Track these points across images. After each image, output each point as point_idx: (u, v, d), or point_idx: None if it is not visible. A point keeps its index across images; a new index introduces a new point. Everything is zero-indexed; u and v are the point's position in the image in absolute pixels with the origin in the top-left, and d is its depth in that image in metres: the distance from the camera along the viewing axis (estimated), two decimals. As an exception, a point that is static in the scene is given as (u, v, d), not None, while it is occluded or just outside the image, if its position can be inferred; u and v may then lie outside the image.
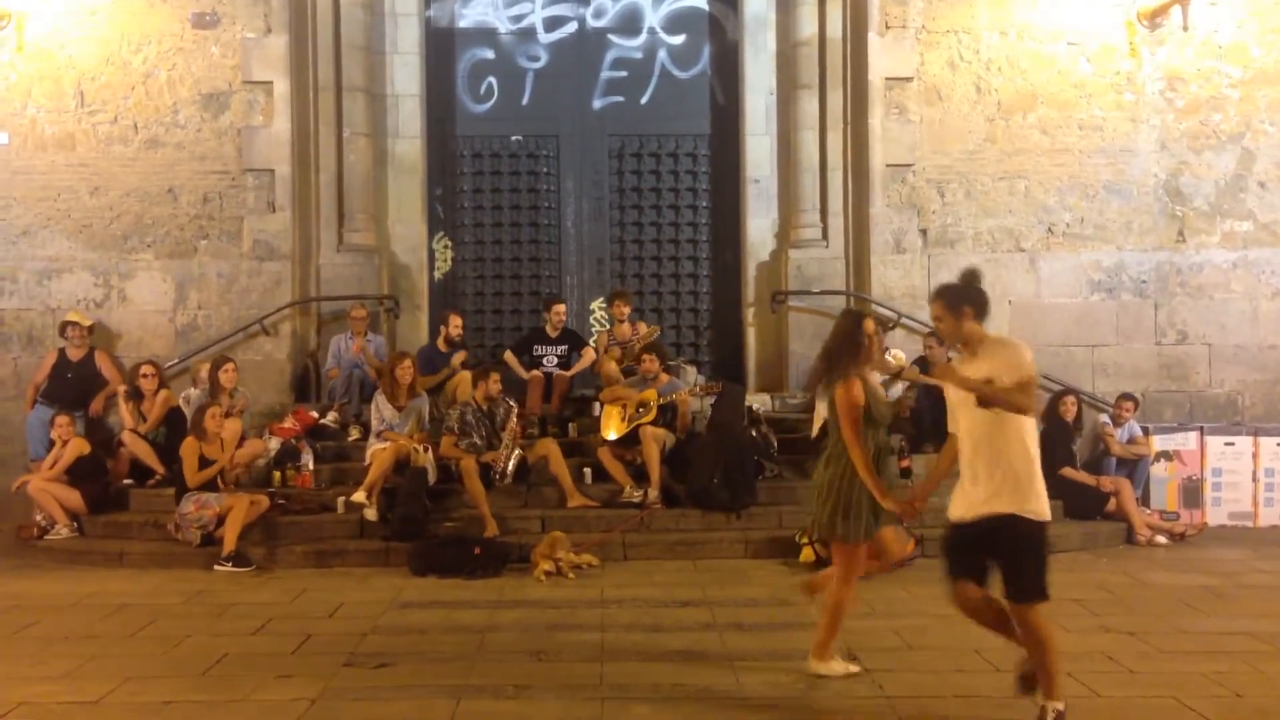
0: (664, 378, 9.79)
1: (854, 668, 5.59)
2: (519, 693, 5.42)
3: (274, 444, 9.96)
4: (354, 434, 10.46)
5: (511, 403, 9.70)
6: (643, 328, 10.87)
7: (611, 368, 10.41)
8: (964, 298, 5.00)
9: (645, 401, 9.69)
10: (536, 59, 12.35)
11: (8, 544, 9.71)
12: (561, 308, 11.05)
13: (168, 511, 9.18)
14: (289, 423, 10.15)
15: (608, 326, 11.43)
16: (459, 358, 10.74)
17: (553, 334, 11.00)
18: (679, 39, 12.36)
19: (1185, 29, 11.21)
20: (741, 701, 5.27)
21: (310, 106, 11.44)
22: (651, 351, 9.93)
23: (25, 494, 9.66)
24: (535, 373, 10.70)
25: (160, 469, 9.86)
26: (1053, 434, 10.19)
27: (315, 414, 10.48)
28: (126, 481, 10.07)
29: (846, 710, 5.14)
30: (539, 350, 10.91)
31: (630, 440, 9.65)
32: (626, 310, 10.95)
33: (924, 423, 10.43)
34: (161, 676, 5.75)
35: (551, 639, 6.43)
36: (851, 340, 5.42)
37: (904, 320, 11.16)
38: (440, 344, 10.96)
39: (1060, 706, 4.72)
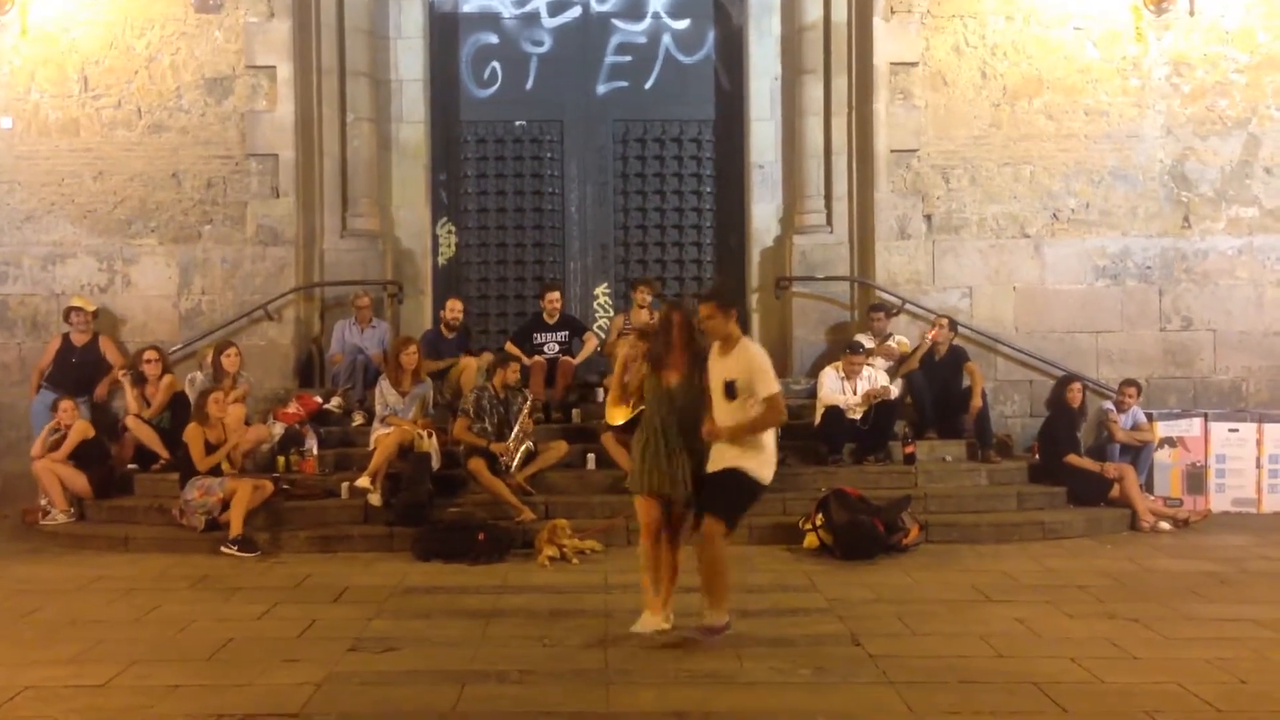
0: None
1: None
2: (524, 677, 5.43)
3: (278, 429, 9.96)
4: (358, 419, 10.47)
5: (527, 394, 9.68)
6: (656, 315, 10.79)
7: (623, 352, 10.36)
8: (733, 302, 6.16)
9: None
10: (540, 44, 12.31)
11: (14, 528, 9.75)
12: (554, 295, 11.01)
13: (172, 496, 9.20)
14: (293, 408, 10.15)
15: (625, 310, 11.28)
16: (469, 359, 10.66)
17: (550, 321, 10.98)
18: (683, 24, 12.31)
19: (1191, 14, 11.18)
20: (746, 686, 5.29)
21: (314, 91, 11.41)
22: None
23: (31, 476, 9.68)
24: (537, 358, 10.69)
25: (165, 454, 9.87)
26: (1057, 420, 10.20)
27: (319, 399, 10.48)
28: (131, 466, 10.10)
29: (850, 695, 5.15)
30: (539, 338, 10.89)
31: (635, 425, 9.61)
32: (649, 297, 10.83)
33: (925, 410, 10.45)
34: (167, 660, 5.77)
35: (556, 624, 6.45)
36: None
37: (908, 306, 11.13)
38: (443, 329, 10.97)
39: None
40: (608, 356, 10.85)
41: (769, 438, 6.06)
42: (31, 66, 11.12)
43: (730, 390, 5.91)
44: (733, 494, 5.98)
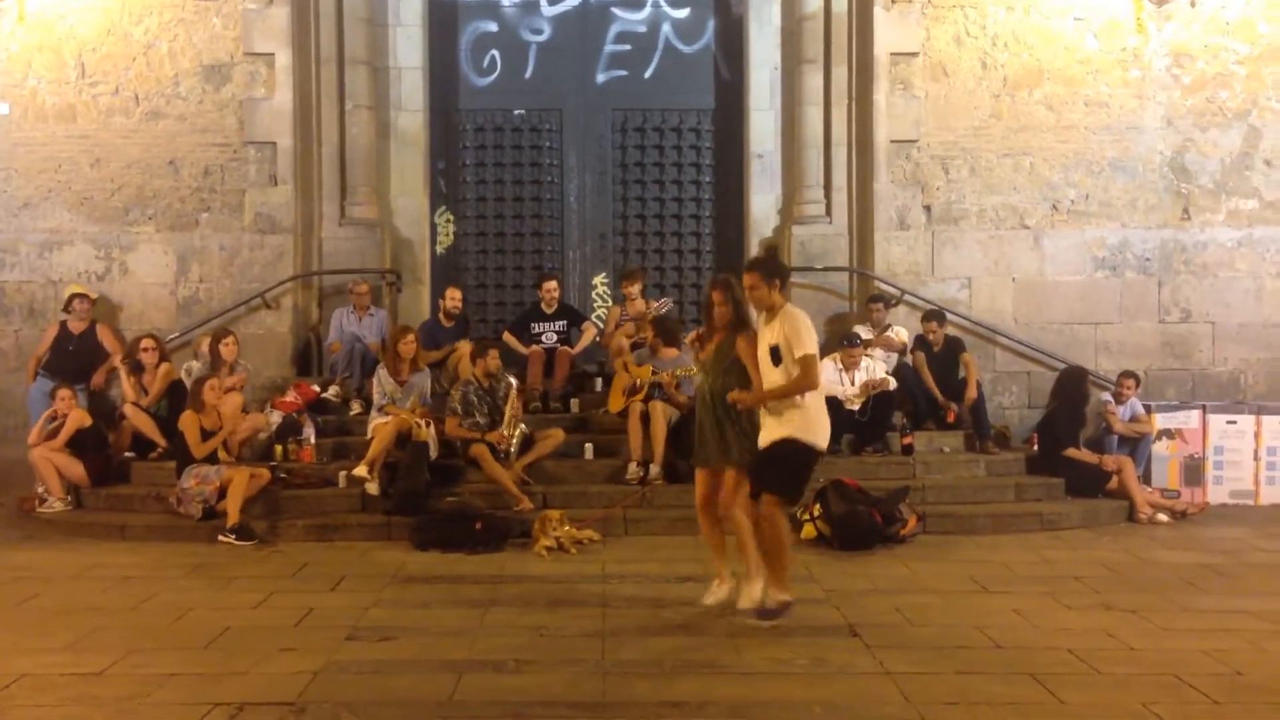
0: (672, 353, 9.77)
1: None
2: (521, 667, 5.43)
3: (275, 418, 9.95)
4: (355, 408, 10.45)
5: (512, 380, 9.68)
6: (652, 304, 10.78)
7: (620, 341, 10.39)
8: (776, 271, 6.34)
9: (639, 378, 9.72)
10: (539, 32, 12.28)
11: (10, 516, 9.73)
12: (551, 284, 10.97)
13: (169, 484, 9.19)
14: (290, 396, 10.13)
15: (620, 301, 11.27)
16: (465, 345, 10.65)
17: (548, 310, 10.95)
18: (683, 12, 12.28)
19: (1193, 5, 11.16)
20: (743, 676, 5.28)
21: (312, 78, 11.38)
22: (657, 326, 9.93)
23: (28, 464, 9.66)
24: (535, 348, 10.67)
25: (162, 442, 9.86)
26: (1062, 412, 10.08)
27: (317, 388, 10.47)
28: (128, 454, 10.08)
29: (847, 686, 5.14)
30: (536, 328, 10.86)
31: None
32: (636, 289, 10.84)
33: (918, 401, 10.44)
34: (164, 649, 5.76)
35: (553, 614, 6.44)
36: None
37: (907, 297, 11.12)
38: (442, 318, 10.95)
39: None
40: (606, 348, 10.84)
41: (811, 400, 6.02)
42: (28, 53, 11.08)
43: (774, 356, 5.99)
44: (785, 465, 6.00)
